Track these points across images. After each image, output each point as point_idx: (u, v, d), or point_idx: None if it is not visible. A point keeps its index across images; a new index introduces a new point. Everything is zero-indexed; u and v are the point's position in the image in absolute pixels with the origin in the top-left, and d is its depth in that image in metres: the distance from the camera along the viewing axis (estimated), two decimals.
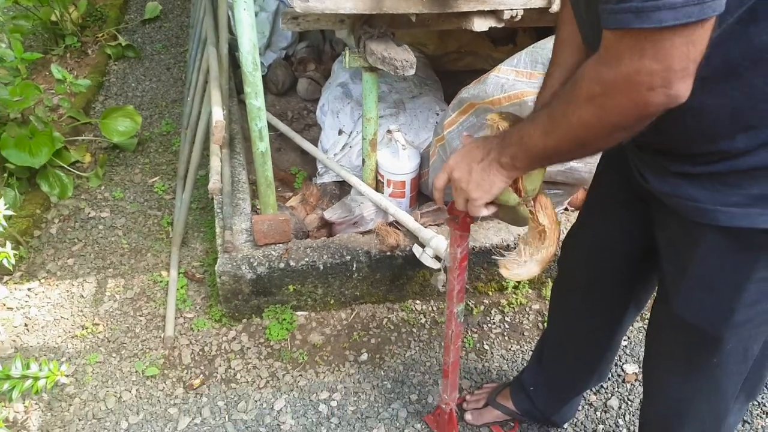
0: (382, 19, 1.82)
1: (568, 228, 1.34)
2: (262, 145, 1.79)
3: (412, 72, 1.74)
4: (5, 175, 2.35)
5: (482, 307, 1.97)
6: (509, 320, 1.93)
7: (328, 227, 2.15)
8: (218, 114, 1.62)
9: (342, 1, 1.67)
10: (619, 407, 1.68)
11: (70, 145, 2.60)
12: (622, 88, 0.72)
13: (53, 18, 3.28)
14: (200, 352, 1.86)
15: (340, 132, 2.40)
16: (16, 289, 2.08)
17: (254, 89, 1.70)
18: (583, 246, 1.26)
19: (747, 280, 0.92)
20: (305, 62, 3.02)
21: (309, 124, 2.77)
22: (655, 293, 1.15)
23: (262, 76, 2.98)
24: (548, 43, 1.77)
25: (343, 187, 2.30)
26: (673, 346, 1.08)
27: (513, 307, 1.96)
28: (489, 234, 1.93)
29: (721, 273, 0.94)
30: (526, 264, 1.15)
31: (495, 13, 1.80)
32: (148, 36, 3.55)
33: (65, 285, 2.09)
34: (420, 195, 2.21)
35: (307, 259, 1.86)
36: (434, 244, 1.81)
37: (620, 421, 1.64)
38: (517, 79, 1.74)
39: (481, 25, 1.82)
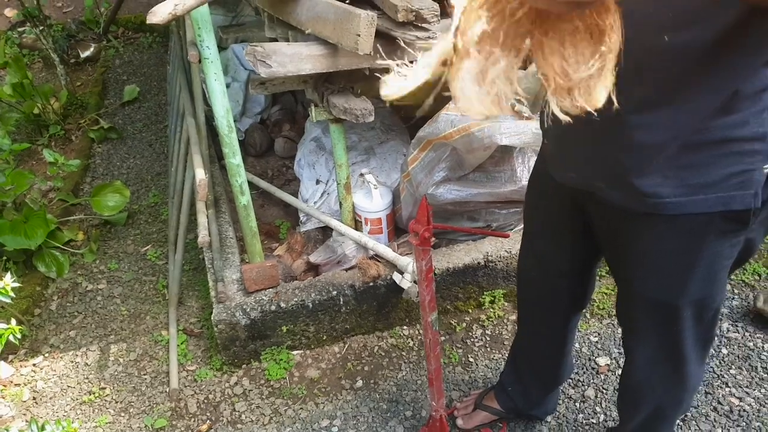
0: (341, 76, 2.03)
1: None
2: (244, 199, 1.95)
3: (371, 119, 1.93)
4: (3, 258, 2.48)
5: (464, 324, 2.10)
6: (490, 333, 2.06)
7: (314, 270, 2.29)
8: (200, 174, 1.79)
9: (301, 64, 1.87)
10: (596, 396, 1.81)
11: (63, 226, 2.74)
12: None
13: (36, 110, 3.47)
14: (205, 400, 1.96)
15: (318, 182, 2.57)
16: (21, 366, 2.18)
17: (231, 149, 1.87)
18: (530, 256, 1.43)
19: (697, 258, 1.07)
20: (280, 123, 3.23)
21: (288, 179, 2.95)
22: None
23: (241, 141, 3.22)
24: None
25: (325, 232, 2.46)
26: (640, 319, 1.23)
27: (492, 321, 2.10)
28: (460, 255, 2.08)
29: (674, 255, 1.08)
30: (412, 71, 0.84)
31: None
32: (129, 117, 3.76)
33: (69, 356, 2.19)
34: (396, 228, 2.38)
35: (296, 300, 1.99)
36: (411, 269, 1.96)
37: (597, 408, 1.77)
38: (464, 114, 1.93)
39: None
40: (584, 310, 1.54)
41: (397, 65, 0.65)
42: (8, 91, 3.30)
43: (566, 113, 0.61)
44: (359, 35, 1.72)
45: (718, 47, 0.86)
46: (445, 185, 2.05)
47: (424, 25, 1.79)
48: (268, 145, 3.16)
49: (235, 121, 3.26)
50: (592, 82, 0.62)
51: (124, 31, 4.80)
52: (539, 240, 1.39)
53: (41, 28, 3.88)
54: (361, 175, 2.32)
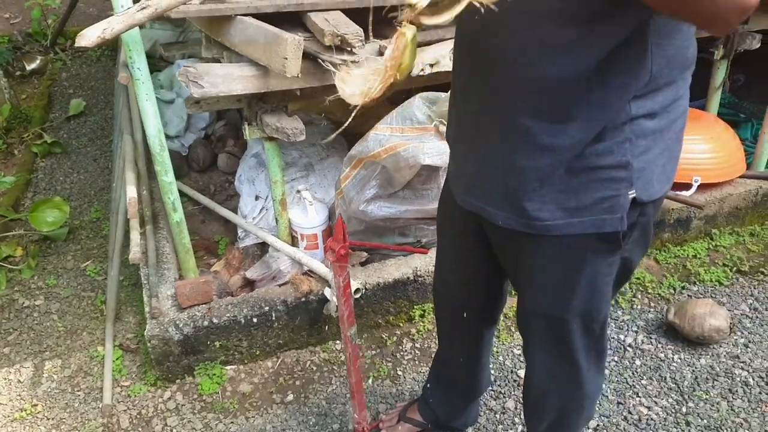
0: (274, 96, 2.09)
1: None
2: (177, 216, 1.98)
3: (302, 137, 2.00)
4: None
5: (394, 338, 2.17)
6: (419, 346, 2.14)
7: (250, 286, 2.33)
8: (132, 192, 1.82)
9: (233, 84, 1.92)
10: (515, 408, 1.89)
11: (1, 242, 2.71)
12: None
13: None
14: (138, 416, 1.98)
15: (257, 197, 2.62)
16: None
17: (163, 167, 1.91)
18: (440, 273, 1.51)
19: (579, 275, 1.16)
20: (224, 139, 3.27)
21: (230, 195, 2.99)
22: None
23: (185, 156, 3.23)
24: (414, 101, 2.07)
25: (264, 248, 2.50)
26: (534, 331, 1.32)
27: (422, 334, 2.18)
28: (390, 270, 2.16)
29: (558, 273, 1.17)
30: (361, 76, 0.94)
31: None
32: (74, 131, 3.74)
33: (2, 373, 2.18)
34: None
35: (228, 315, 2.03)
36: None
37: (516, 419, 1.86)
38: (392, 134, 2.02)
39: None
40: (497, 325, 1.62)
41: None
42: None
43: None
44: (287, 58, 1.78)
45: (590, 80, 0.95)
46: (376, 202, 2.12)
47: (349, 49, 1.87)
48: (212, 161, 3.19)
49: (179, 136, 3.30)
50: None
51: (72, 44, 4.75)
52: (447, 258, 1.47)
53: None
54: (298, 191, 2.38)
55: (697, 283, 2.41)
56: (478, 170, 1.15)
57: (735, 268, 2.47)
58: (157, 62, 3.61)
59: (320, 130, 2.90)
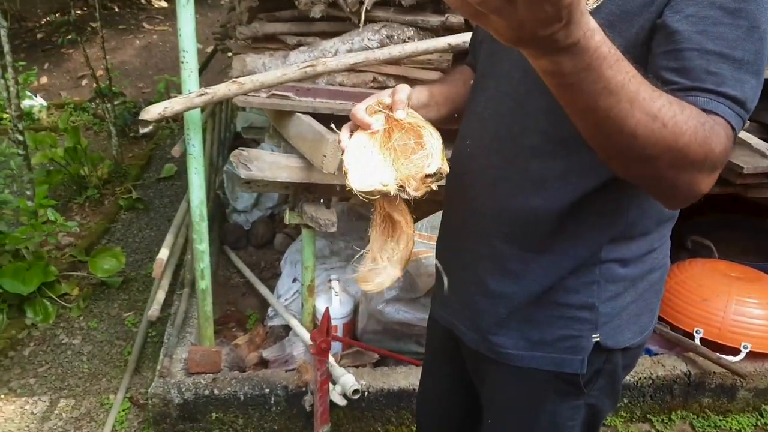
0: (317, 187, 2.20)
1: None
2: (203, 283, 2.08)
3: (333, 229, 2.07)
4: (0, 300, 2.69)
5: None
6: None
7: (265, 365, 2.35)
8: (163, 253, 1.95)
9: (279, 172, 2.06)
10: None
11: (65, 279, 2.95)
12: (719, 164, 0.75)
13: (81, 173, 3.85)
14: None
15: (294, 280, 2.69)
16: None
17: (200, 236, 2.04)
18: (425, 397, 1.46)
19: (538, 413, 1.10)
20: None
21: (277, 274, 3.09)
22: None
23: (247, 230, 3.41)
24: None
25: (288, 331, 2.54)
26: None
27: None
28: (398, 378, 2.11)
29: (517, 406, 1.12)
30: (385, 269, 1.04)
31: None
32: (160, 192, 4.08)
33: (21, 402, 2.30)
34: (354, 340, 2.43)
35: (230, 389, 2.05)
36: (342, 381, 1.99)
37: None
38: (420, 240, 2.04)
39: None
40: None
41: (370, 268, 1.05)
42: (60, 154, 3.69)
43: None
44: (326, 156, 1.90)
45: (564, 217, 0.95)
46: (395, 305, 2.12)
47: None
48: (270, 238, 3.35)
49: (246, 211, 3.51)
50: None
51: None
52: (428, 373, 1.42)
53: (107, 104, 4.36)
54: (329, 280, 2.43)
55: None
56: (453, 288, 1.15)
57: None
58: (248, 142, 3.93)
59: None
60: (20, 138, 3.11)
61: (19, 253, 2.80)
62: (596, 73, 0.65)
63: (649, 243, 1.00)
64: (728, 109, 0.75)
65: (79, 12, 6.84)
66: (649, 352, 2.32)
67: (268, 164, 2.06)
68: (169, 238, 2.12)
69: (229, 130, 4.07)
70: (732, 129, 0.76)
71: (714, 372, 2.18)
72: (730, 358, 2.14)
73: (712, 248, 2.65)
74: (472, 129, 1.07)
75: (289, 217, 2.22)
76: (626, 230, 0.97)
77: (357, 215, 2.97)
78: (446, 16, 2.25)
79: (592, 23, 0.63)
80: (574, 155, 0.92)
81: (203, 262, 2.06)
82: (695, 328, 2.22)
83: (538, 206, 0.96)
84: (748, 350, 2.14)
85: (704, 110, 0.74)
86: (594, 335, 1.00)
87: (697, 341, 2.21)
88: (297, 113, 2.12)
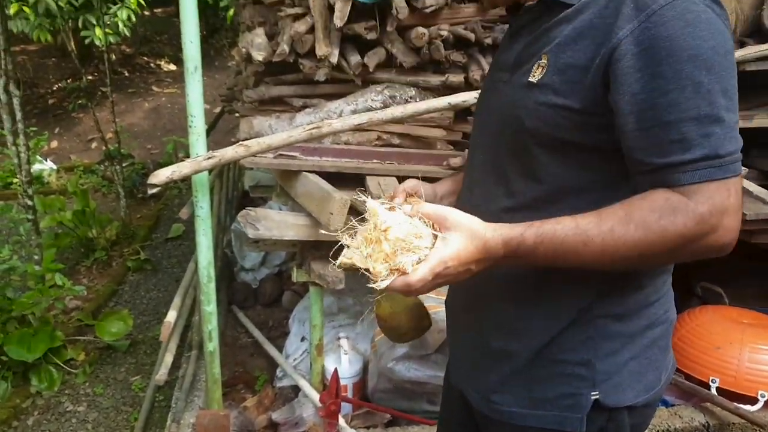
0: (325, 245, 2.21)
1: None
2: (211, 345, 2.06)
3: (341, 286, 2.07)
4: (1, 368, 2.66)
5: None
6: None
7: (275, 428, 2.30)
8: (171, 316, 1.94)
9: (286, 230, 2.07)
10: None
11: (71, 344, 2.93)
12: (714, 223, 0.80)
13: (89, 235, 3.88)
14: None
15: (303, 339, 2.66)
16: None
17: (207, 297, 2.03)
18: None
19: None
20: None
21: (286, 333, 3.05)
22: None
23: (254, 289, 3.40)
24: None
25: (298, 392, 2.49)
26: None
27: None
28: None
29: None
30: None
31: None
32: (168, 252, 4.10)
33: None
34: (366, 399, 2.38)
35: None
36: None
37: None
38: (429, 295, 2.03)
39: None
40: None
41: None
42: (69, 217, 3.73)
43: None
44: (332, 213, 1.91)
45: (546, 280, 0.96)
46: (405, 362, 2.09)
47: None
48: (278, 296, 3.33)
49: (253, 269, 3.51)
50: None
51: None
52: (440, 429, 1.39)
53: (116, 166, 4.44)
54: (338, 338, 2.40)
55: None
56: (459, 348, 1.16)
57: None
58: (256, 200, 3.97)
59: None
60: (29, 203, 3.15)
61: (26, 318, 2.80)
62: (542, 255, 0.86)
63: (645, 297, 0.99)
64: (704, 171, 0.80)
65: (90, 77, 7.06)
66: (665, 403, 2.26)
67: (276, 223, 2.08)
68: (176, 300, 2.11)
69: (236, 188, 4.12)
70: (715, 182, 0.80)
71: (733, 423, 2.12)
72: (747, 407, 2.08)
73: (722, 294, 2.62)
74: (464, 194, 1.13)
75: (296, 275, 2.22)
76: (616, 285, 0.96)
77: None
78: (446, 76, 2.32)
79: (515, 231, 0.85)
80: (552, 214, 0.90)
81: (211, 324, 2.05)
82: (711, 378, 2.17)
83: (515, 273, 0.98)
84: (765, 398, 2.09)
85: (680, 185, 0.81)
86: (593, 392, 0.98)
87: (714, 391, 2.15)
88: (304, 172, 2.15)
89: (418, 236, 0.85)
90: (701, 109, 0.80)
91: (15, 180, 4.66)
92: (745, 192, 2.14)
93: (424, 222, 0.87)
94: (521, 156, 0.96)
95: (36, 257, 3.16)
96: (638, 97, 0.82)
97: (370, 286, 0.86)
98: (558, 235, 0.84)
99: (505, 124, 0.98)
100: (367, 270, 0.86)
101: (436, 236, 0.86)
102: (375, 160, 2.17)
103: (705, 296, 2.66)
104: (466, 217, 0.86)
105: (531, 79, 0.92)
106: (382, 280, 0.84)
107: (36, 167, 5.04)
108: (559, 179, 0.94)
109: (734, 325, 2.29)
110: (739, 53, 2.20)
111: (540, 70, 0.92)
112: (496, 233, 0.85)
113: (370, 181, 2.11)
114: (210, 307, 2.04)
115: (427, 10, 2.25)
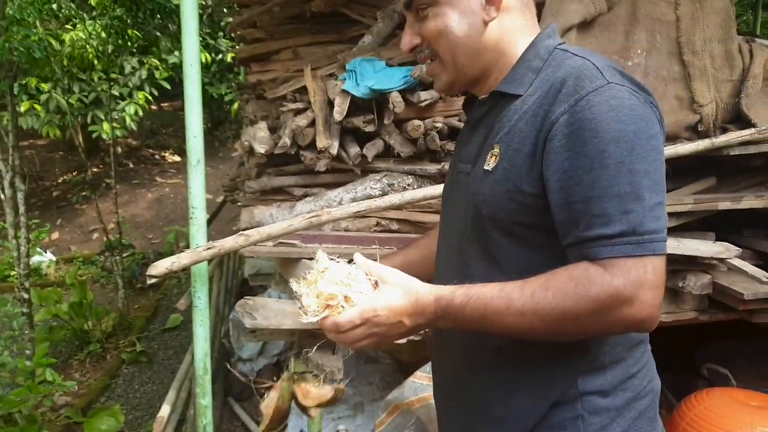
0: (323, 334, 2.18)
1: None
2: None
3: (339, 377, 2.02)
4: None
5: None
6: None
7: None
8: (165, 411, 1.88)
9: (284, 319, 2.06)
10: None
11: None
12: (628, 295, 0.83)
13: (85, 327, 3.82)
14: None
15: (301, 431, 2.57)
16: None
17: (203, 390, 1.98)
18: None
19: None
20: None
21: (286, 425, 2.96)
22: None
23: (252, 380, 3.32)
24: None
25: None
26: None
27: None
28: None
29: None
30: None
31: None
32: (165, 343, 4.02)
33: None
34: None
35: None
36: None
37: None
38: (428, 383, 1.99)
39: None
40: None
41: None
42: (65, 309, 3.70)
43: None
44: None
45: (532, 351, 0.96)
46: None
47: None
48: None
49: (251, 360, 3.44)
50: None
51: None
52: None
53: (116, 257, 4.46)
54: (337, 430, 2.32)
55: None
56: (451, 414, 1.15)
57: None
58: (255, 288, 3.94)
59: (381, 369, 2.90)
60: (25, 296, 3.14)
61: (12, 416, 2.70)
62: (470, 314, 0.89)
63: (625, 369, 0.99)
64: (622, 246, 0.84)
65: (95, 169, 7.23)
66: None
67: (274, 312, 2.07)
68: (171, 394, 2.06)
69: (236, 277, 4.11)
70: (632, 258, 0.84)
71: None
72: None
73: (728, 376, 2.55)
74: (435, 279, 1.15)
75: (294, 366, 2.17)
76: (596, 360, 0.97)
77: (365, 359, 2.91)
78: (442, 164, 2.38)
79: (446, 290, 0.91)
80: None
81: (206, 418, 1.98)
82: None
83: (500, 342, 0.98)
84: None
85: (600, 259, 0.85)
86: None
87: None
88: (303, 259, 2.16)
89: (355, 281, 0.91)
90: (622, 187, 0.85)
91: (13, 273, 4.66)
92: (740, 272, 2.14)
93: (367, 277, 0.92)
94: (481, 240, 1.00)
95: (28, 352, 3.10)
96: (567, 174, 0.88)
97: (301, 320, 0.92)
98: (484, 297, 0.89)
99: (467, 212, 1.02)
100: (301, 304, 0.91)
101: (374, 288, 0.91)
102: (374, 246, 2.19)
103: (711, 378, 2.60)
104: (404, 276, 0.92)
105: (486, 167, 0.98)
106: (314, 315, 0.90)
107: (35, 259, 5.05)
108: (514, 260, 0.97)
109: (743, 407, 2.22)
110: (723, 138, 2.28)
111: (494, 159, 0.97)
112: (429, 290, 0.91)
113: None
114: (205, 400, 1.98)
115: (422, 104, 2.35)
